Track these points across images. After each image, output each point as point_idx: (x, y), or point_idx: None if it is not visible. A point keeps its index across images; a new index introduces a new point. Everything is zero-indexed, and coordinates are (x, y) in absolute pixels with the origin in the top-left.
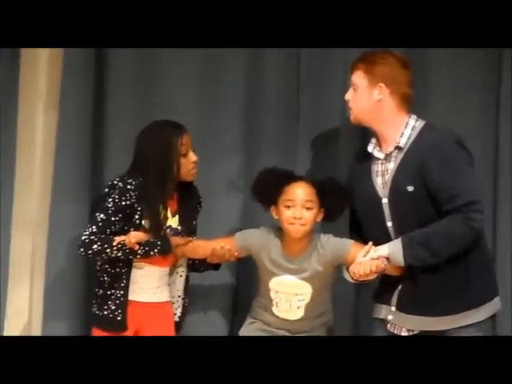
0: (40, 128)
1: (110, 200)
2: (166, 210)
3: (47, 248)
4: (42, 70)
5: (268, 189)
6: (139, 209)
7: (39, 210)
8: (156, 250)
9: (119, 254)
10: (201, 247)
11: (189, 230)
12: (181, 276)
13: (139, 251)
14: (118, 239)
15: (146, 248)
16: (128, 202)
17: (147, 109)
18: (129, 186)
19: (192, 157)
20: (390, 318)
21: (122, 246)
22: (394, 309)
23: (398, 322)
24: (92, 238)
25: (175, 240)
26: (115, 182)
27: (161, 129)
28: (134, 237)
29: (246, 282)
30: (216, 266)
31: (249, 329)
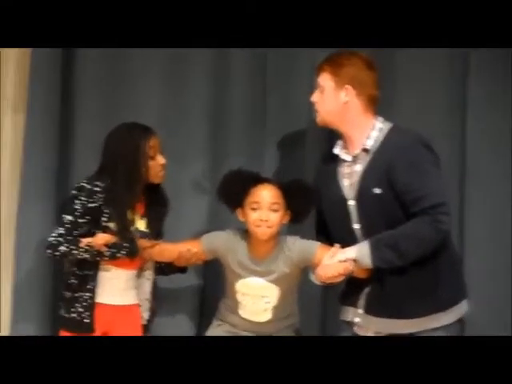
0: (7, 130)
1: (78, 202)
2: (134, 212)
3: (15, 250)
4: (8, 71)
5: (234, 191)
6: (106, 211)
7: (7, 212)
8: (123, 253)
9: (86, 256)
10: (167, 250)
11: (156, 232)
12: (148, 279)
13: (106, 253)
14: (84, 241)
15: (113, 250)
16: (95, 204)
17: (115, 110)
18: (96, 188)
19: (160, 159)
20: (356, 320)
21: (89, 248)
22: (361, 311)
23: (365, 324)
24: (59, 239)
25: (142, 243)
26: (83, 184)
27: (129, 131)
28: (101, 239)
29: (212, 285)
30: (183, 269)
31: (215, 331)
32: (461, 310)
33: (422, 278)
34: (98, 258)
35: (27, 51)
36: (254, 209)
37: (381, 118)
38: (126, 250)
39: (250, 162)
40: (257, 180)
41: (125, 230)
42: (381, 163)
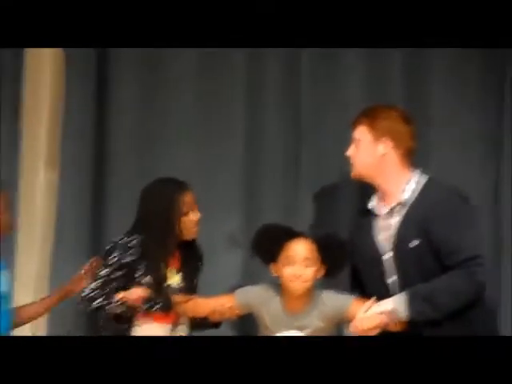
0: (41, 188)
1: (113, 257)
2: (168, 267)
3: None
4: (42, 130)
5: (268, 246)
6: (141, 266)
7: (40, 269)
8: (157, 307)
9: (121, 310)
10: (201, 306)
11: (190, 288)
12: (182, 334)
13: (140, 308)
14: (119, 295)
15: (147, 305)
16: (130, 259)
17: (149, 168)
18: (131, 244)
19: (193, 216)
20: None
21: (124, 303)
22: None
23: None
24: (94, 293)
25: (177, 298)
26: (118, 239)
27: (163, 186)
28: (135, 293)
29: None
30: (217, 324)
31: None
32: None
33: (458, 330)
34: (132, 313)
35: (60, 104)
36: (288, 264)
37: (417, 171)
38: (161, 305)
39: (283, 216)
40: (291, 234)
41: (159, 285)
42: (417, 216)
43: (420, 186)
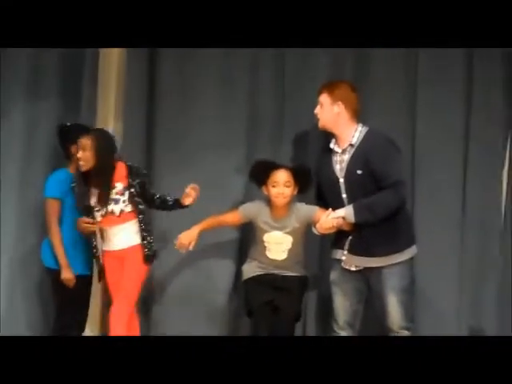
0: None
1: None
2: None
3: None
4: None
5: (260, 174)
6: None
7: None
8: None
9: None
10: (215, 221)
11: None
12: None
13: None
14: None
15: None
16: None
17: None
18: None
19: (80, 154)
20: (343, 258)
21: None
22: (346, 252)
23: (349, 261)
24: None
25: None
26: None
27: None
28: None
29: (246, 236)
30: (183, 206)
31: (249, 265)
32: (412, 251)
33: (387, 229)
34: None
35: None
36: (273, 186)
37: (361, 124)
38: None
39: (272, 151)
40: (275, 166)
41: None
42: (361, 153)
43: (363, 134)
